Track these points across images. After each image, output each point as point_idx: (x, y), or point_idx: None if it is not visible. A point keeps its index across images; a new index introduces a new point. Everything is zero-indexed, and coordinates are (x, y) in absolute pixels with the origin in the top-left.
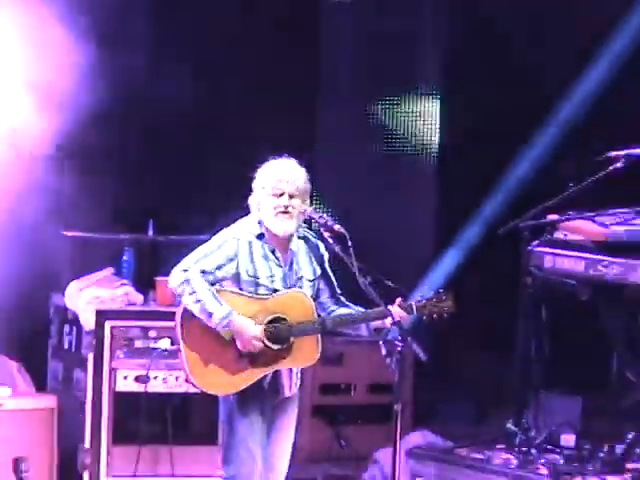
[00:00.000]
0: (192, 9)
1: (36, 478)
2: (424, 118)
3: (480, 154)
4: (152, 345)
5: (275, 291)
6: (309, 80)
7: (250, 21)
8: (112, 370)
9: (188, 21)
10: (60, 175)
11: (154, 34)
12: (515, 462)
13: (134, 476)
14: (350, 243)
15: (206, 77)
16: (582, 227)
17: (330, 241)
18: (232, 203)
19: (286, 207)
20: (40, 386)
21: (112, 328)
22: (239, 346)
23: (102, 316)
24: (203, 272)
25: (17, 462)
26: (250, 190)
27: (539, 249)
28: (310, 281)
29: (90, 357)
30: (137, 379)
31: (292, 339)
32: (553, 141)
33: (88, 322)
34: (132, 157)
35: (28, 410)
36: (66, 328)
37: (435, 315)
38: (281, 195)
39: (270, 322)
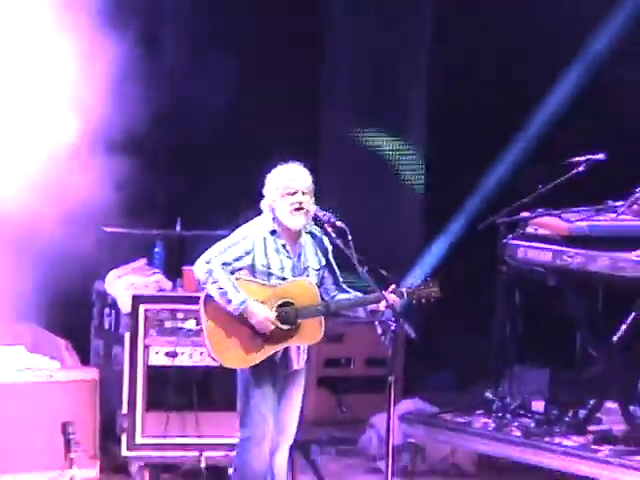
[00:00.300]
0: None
1: (81, 439)
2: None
3: (464, 159)
4: (179, 325)
5: (285, 279)
6: (311, 84)
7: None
8: (145, 347)
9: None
10: (102, 177)
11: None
12: (493, 425)
13: (164, 437)
14: (350, 237)
15: (234, 81)
16: (549, 223)
17: (333, 235)
18: (247, 203)
19: (300, 204)
20: (84, 361)
21: (145, 311)
22: (259, 323)
23: (137, 300)
24: (223, 264)
25: (65, 426)
26: (261, 193)
27: (513, 242)
28: (316, 270)
29: (127, 336)
30: (167, 354)
31: (299, 320)
32: (526, 147)
33: (125, 306)
34: (163, 160)
35: (74, 381)
36: (106, 311)
37: (423, 299)
38: (294, 194)
39: (280, 306)
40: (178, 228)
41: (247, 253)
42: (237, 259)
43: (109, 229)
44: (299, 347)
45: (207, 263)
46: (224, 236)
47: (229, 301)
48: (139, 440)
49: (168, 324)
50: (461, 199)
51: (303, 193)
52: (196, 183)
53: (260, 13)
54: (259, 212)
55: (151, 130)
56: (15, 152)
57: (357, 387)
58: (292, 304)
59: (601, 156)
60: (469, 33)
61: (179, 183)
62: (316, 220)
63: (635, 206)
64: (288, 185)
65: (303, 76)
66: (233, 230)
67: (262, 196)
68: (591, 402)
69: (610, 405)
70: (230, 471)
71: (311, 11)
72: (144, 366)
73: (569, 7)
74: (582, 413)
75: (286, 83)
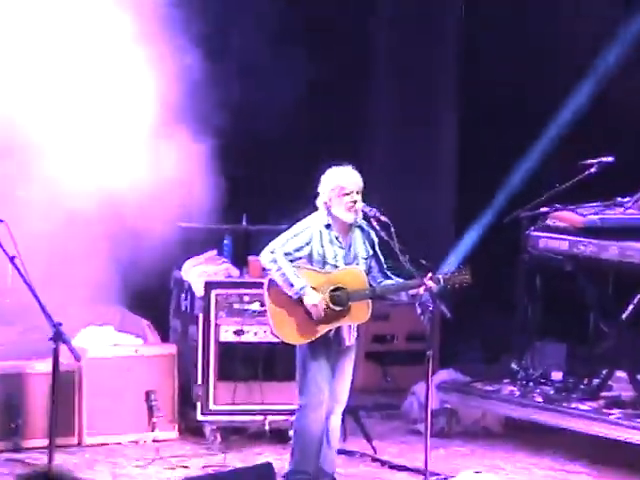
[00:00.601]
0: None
1: (162, 406)
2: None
3: (493, 159)
4: (246, 307)
5: (337, 267)
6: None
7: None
8: (216, 326)
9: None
10: (181, 177)
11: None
12: (517, 392)
13: (233, 404)
14: (393, 230)
15: (298, 87)
16: (566, 216)
17: (378, 228)
18: (304, 201)
19: (354, 202)
20: (164, 338)
21: (216, 295)
22: (314, 306)
23: (209, 286)
24: (286, 253)
25: (148, 394)
26: (316, 192)
27: (534, 233)
28: (364, 259)
29: (200, 316)
30: (235, 332)
31: (350, 303)
32: (546, 150)
33: (199, 290)
34: (233, 161)
35: (156, 356)
36: (183, 295)
37: (457, 285)
38: (349, 194)
39: (333, 290)
40: (244, 223)
41: (306, 244)
42: (297, 249)
43: (184, 224)
44: (350, 326)
45: (272, 253)
46: (284, 230)
47: (291, 285)
48: (212, 407)
49: (236, 306)
50: (490, 195)
51: (357, 193)
52: (260, 181)
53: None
54: (314, 208)
55: (225, 129)
56: (104, 151)
57: (400, 360)
58: (344, 289)
59: (610, 159)
60: (501, 19)
61: (245, 180)
62: (364, 215)
63: None
64: (344, 187)
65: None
66: (292, 225)
67: (317, 195)
68: (603, 372)
69: (620, 374)
70: (291, 433)
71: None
72: (215, 342)
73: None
74: (595, 382)
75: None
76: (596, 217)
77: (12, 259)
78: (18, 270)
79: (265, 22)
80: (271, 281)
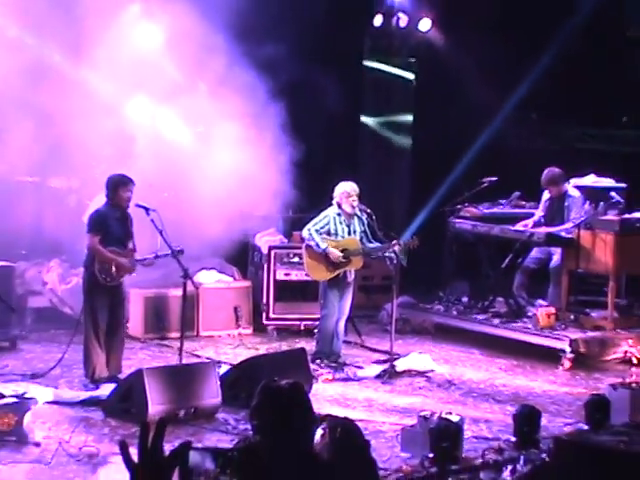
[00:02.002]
0: None
1: (243, 315)
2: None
3: (433, 176)
4: (291, 260)
5: (343, 237)
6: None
7: None
8: (274, 270)
9: None
10: (251, 178)
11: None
12: (442, 309)
13: (284, 314)
14: (374, 217)
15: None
16: (470, 210)
17: (366, 216)
18: (326, 199)
19: (354, 201)
20: (244, 277)
21: (274, 253)
22: (331, 259)
23: (270, 248)
24: (316, 230)
25: (235, 308)
26: (331, 195)
27: (452, 220)
28: (359, 233)
29: (265, 265)
30: (285, 274)
31: (351, 257)
32: (463, 171)
33: (265, 250)
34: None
35: (240, 287)
36: (256, 253)
37: (410, 247)
38: (351, 196)
39: (341, 250)
40: (290, 213)
41: (326, 224)
42: (322, 227)
43: (258, 213)
44: (350, 271)
45: (308, 230)
46: (314, 217)
47: (318, 246)
48: (271, 315)
49: (285, 259)
50: (430, 196)
51: (356, 196)
52: (307, 178)
53: None
54: (330, 204)
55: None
56: (224, 164)
57: (377, 291)
58: (347, 249)
59: (495, 178)
60: None
61: (299, 178)
62: (359, 208)
63: (512, 202)
64: (349, 193)
65: None
66: (318, 214)
67: (332, 197)
68: (490, 298)
69: (499, 299)
70: (315, 331)
71: None
72: (273, 280)
73: None
74: (485, 303)
75: None
76: (487, 211)
77: (161, 232)
78: (165, 239)
79: None
80: (307, 245)
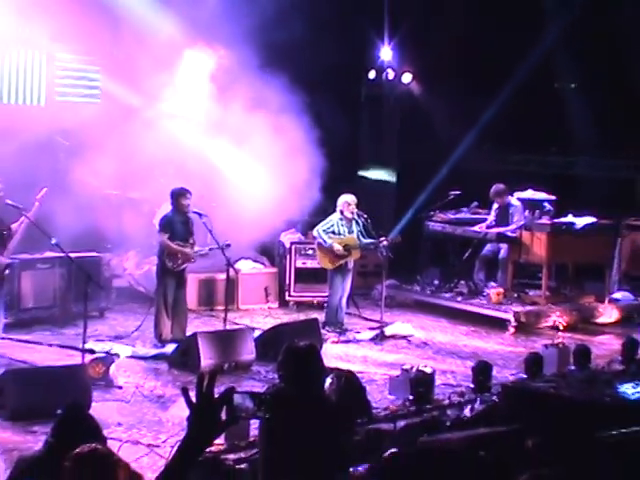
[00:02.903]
0: None
1: (271, 292)
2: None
3: (414, 187)
4: (307, 252)
5: (345, 236)
6: None
7: None
8: (295, 260)
9: None
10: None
11: None
12: (419, 288)
13: (302, 292)
14: (369, 220)
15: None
16: (441, 215)
17: (362, 219)
18: (332, 207)
19: (353, 209)
20: (272, 265)
21: (295, 247)
22: (335, 252)
23: (291, 243)
24: (324, 230)
25: (266, 288)
26: (335, 204)
27: (428, 222)
28: (358, 231)
29: (287, 256)
30: (302, 263)
31: (351, 250)
32: (435, 186)
33: (287, 245)
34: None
35: (268, 272)
36: (281, 247)
37: (396, 243)
38: (351, 205)
39: (343, 245)
40: (307, 217)
41: (331, 226)
42: (328, 228)
43: (283, 218)
44: (351, 260)
45: (317, 230)
46: (322, 220)
47: (325, 242)
48: (292, 293)
49: (302, 252)
50: (411, 203)
51: (354, 204)
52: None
53: None
54: (334, 210)
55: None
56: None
57: (371, 275)
58: (347, 245)
59: (459, 192)
60: None
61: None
62: (357, 214)
63: (471, 210)
64: (349, 203)
65: None
66: (325, 218)
67: (336, 205)
68: (455, 281)
69: (462, 282)
70: (324, 305)
71: None
72: (294, 267)
73: None
74: (451, 285)
75: None
76: (452, 216)
77: (210, 232)
78: (213, 237)
79: None
80: (318, 242)
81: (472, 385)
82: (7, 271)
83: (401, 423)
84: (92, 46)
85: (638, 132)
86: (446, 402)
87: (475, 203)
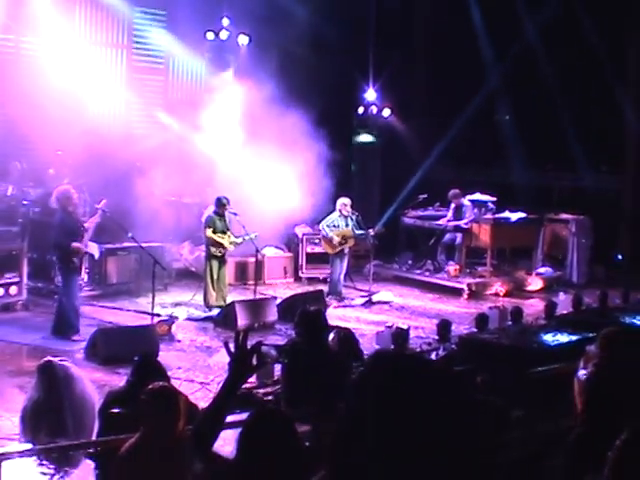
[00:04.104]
0: None
1: (288, 270)
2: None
3: (395, 190)
4: (315, 241)
5: (342, 228)
6: None
7: None
8: (305, 247)
9: None
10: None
11: None
12: (397, 266)
13: (312, 269)
14: (360, 217)
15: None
16: (413, 212)
17: (355, 215)
18: (333, 207)
19: (349, 209)
20: (289, 251)
21: (306, 237)
22: (336, 241)
23: (303, 234)
24: (327, 225)
25: (285, 267)
26: (334, 206)
27: (403, 217)
28: (352, 225)
29: (300, 244)
30: (311, 249)
31: (347, 239)
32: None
33: (300, 235)
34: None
35: (286, 256)
36: (295, 238)
37: (380, 232)
38: (347, 205)
39: (342, 236)
40: (314, 215)
41: (332, 221)
42: (330, 223)
43: (297, 215)
44: (347, 247)
45: (322, 225)
46: (325, 217)
47: (328, 234)
48: (304, 271)
49: (311, 241)
50: (392, 201)
51: (349, 205)
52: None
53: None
54: (334, 210)
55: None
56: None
57: (362, 257)
58: (345, 235)
59: (426, 195)
60: None
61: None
62: (351, 212)
63: (435, 208)
64: (345, 204)
65: None
66: (328, 215)
67: (335, 206)
68: (424, 261)
69: (429, 262)
70: (328, 280)
71: None
72: (305, 253)
73: None
74: (421, 264)
75: None
76: (421, 213)
77: (243, 227)
78: (245, 230)
79: None
80: (323, 234)
81: (437, 337)
82: (84, 257)
83: None
84: (154, 92)
85: (555, 151)
86: (418, 349)
87: (437, 203)
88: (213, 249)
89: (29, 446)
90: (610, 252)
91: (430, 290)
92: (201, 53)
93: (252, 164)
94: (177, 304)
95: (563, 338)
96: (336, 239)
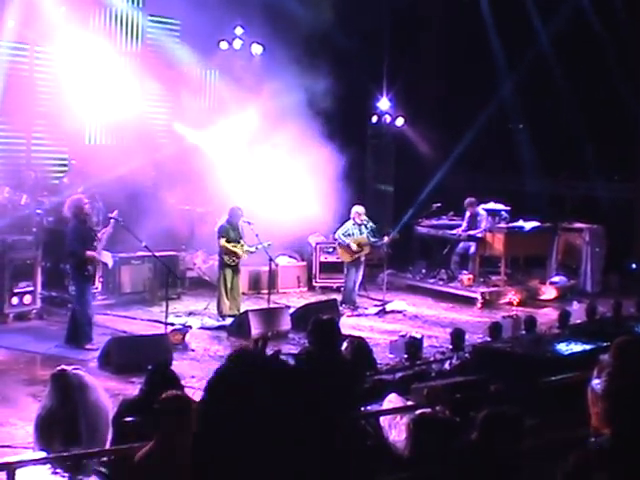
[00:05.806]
0: None
1: (301, 280)
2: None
3: (407, 201)
4: (329, 250)
5: (357, 237)
6: None
7: None
8: (319, 256)
9: None
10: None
11: None
12: (411, 276)
13: (325, 279)
14: (374, 225)
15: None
16: (427, 221)
17: (369, 224)
18: (347, 215)
19: (363, 217)
20: (303, 259)
21: (319, 246)
22: (351, 249)
23: (317, 243)
24: (342, 234)
25: (298, 277)
26: (349, 215)
27: (416, 227)
28: (367, 233)
29: (313, 253)
30: (325, 258)
31: (362, 247)
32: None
33: (313, 244)
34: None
35: (300, 265)
36: (309, 247)
37: (394, 240)
38: (361, 214)
39: (357, 244)
40: (327, 224)
41: (347, 230)
42: (345, 232)
43: (311, 225)
44: (362, 255)
45: (337, 233)
46: (340, 226)
47: (343, 242)
48: (317, 280)
49: (325, 249)
50: (405, 210)
51: (364, 214)
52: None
53: None
54: (348, 219)
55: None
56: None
57: (376, 266)
58: (360, 243)
59: (440, 204)
60: None
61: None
62: (366, 219)
63: (449, 217)
64: (360, 213)
65: None
66: (343, 224)
67: (350, 214)
68: (437, 270)
69: (443, 271)
70: (342, 289)
71: None
72: (319, 261)
73: None
74: (435, 273)
75: None
76: (435, 222)
77: (257, 235)
78: (259, 240)
79: None
80: (339, 243)
81: (450, 346)
82: (98, 266)
83: (398, 374)
84: (168, 102)
85: (569, 160)
86: (431, 359)
87: (451, 212)
88: (227, 258)
89: (43, 454)
90: (624, 261)
91: (444, 299)
92: (215, 62)
93: (265, 173)
94: (191, 313)
95: (577, 347)
96: (353, 245)
